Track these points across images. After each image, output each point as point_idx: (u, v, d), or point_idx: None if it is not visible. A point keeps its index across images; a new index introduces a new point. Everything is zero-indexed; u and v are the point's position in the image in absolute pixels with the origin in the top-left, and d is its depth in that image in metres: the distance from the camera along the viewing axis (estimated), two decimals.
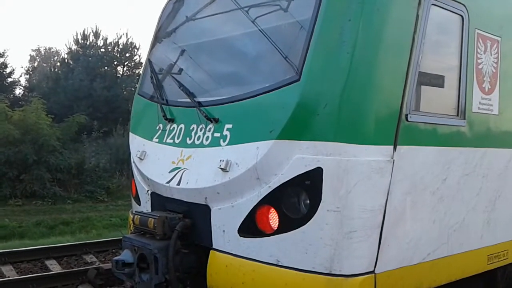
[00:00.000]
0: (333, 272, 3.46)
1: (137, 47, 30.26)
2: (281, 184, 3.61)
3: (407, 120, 3.78)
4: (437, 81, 4.13)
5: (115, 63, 29.29)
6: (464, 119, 4.30)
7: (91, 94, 25.97)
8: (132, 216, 4.76)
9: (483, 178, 4.53)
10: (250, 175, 3.71)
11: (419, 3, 3.84)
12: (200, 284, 4.15)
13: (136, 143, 5.07)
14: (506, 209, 4.84)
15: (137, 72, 31.03)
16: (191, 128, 4.40)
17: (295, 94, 3.61)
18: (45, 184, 16.14)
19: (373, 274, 3.58)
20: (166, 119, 4.70)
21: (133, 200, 5.30)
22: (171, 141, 4.59)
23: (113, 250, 9.33)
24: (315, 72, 3.60)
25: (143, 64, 5.96)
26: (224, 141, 4.00)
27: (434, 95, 4.11)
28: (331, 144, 3.48)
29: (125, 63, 29.82)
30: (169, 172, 4.41)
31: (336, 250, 3.46)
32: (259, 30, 4.01)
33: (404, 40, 3.77)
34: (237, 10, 4.31)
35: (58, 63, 32.53)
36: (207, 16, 4.77)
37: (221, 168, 3.85)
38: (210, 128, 4.18)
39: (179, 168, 4.34)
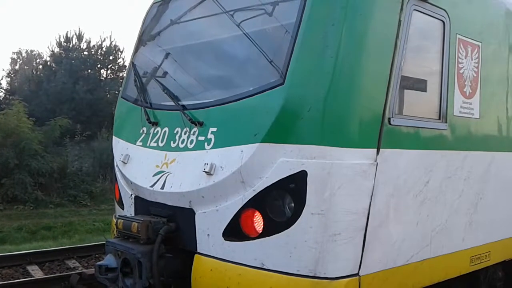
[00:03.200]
0: (317, 275, 3.48)
1: (121, 50, 30.05)
2: (265, 188, 3.63)
3: (390, 123, 3.82)
4: (419, 85, 4.18)
5: (99, 66, 29.01)
6: (446, 122, 4.37)
7: (74, 97, 25.68)
8: (115, 221, 4.74)
9: (465, 181, 4.60)
10: (235, 179, 3.72)
11: (401, 9, 3.89)
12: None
13: (119, 146, 5.04)
14: (487, 211, 4.91)
15: (121, 75, 30.78)
16: (175, 132, 4.39)
17: (279, 98, 3.63)
18: (26, 188, 15.91)
19: (358, 277, 3.61)
20: (150, 122, 4.69)
21: (116, 204, 5.27)
22: (155, 144, 4.58)
23: (96, 255, 9.26)
24: (299, 76, 3.63)
25: (126, 67, 5.92)
26: (208, 144, 4.00)
27: (416, 99, 4.17)
28: (315, 148, 3.51)
29: (109, 66, 29.55)
30: (153, 176, 4.40)
31: (321, 253, 3.49)
32: (244, 33, 4.03)
33: (387, 45, 3.82)
34: (222, 13, 4.34)
35: (40, 66, 32.11)
36: (191, 19, 4.76)
37: (206, 172, 3.85)
38: (194, 132, 4.18)
39: (163, 171, 4.33)
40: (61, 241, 11.20)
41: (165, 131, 4.52)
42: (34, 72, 30.70)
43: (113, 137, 5.28)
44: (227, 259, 3.80)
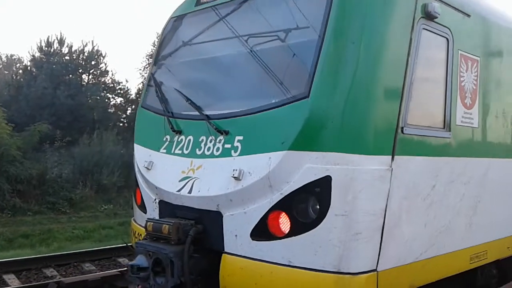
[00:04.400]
0: (341, 271, 3.90)
1: (103, 55, 30.16)
2: (292, 191, 4.03)
3: (402, 132, 4.28)
4: (427, 97, 4.65)
5: (80, 71, 29.05)
6: (450, 131, 4.85)
7: (54, 102, 25.68)
8: (134, 224, 5.09)
9: (466, 185, 5.09)
10: (263, 183, 4.12)
11: (412, 28, 4.37)
12: (211, 286, 4.51)
13: (142, 153, 5.40)
14: (485, 213, 5.42)
15: (102, 80, 30.94)
16: (200, 140, 4.78)
17: (305, 109, 4.05)
18: (4, 195, 15.78)
19: (376, 272, 4.04)
20: (174, 131, 5.07)
21: (137, 208, 5.62)
22: (180, 151, 4.95)
23: (75, 263, 9.47)
24: (322, 90, 4.06)
25: (146, 77, 6.28)
26: (235, 151, 4.40)
27: (424, 110, 4.64)
28: (338, 155, 3.94)
29: (91, 71, 29.61)
30: (179, 181, 4.77)
31: (344, 251, 3.91)
32: (269, 48, 4.46)
33: (400, 61, 4.28)
34: (246, 28, 4.77)
35: (21, 71, 31.95)
36: (213, 34, 5.18)
37: (234, 177, 4.24)
38: (220, 140, 4.58)
39: (189, 177, 4.71)
40: (39, 249, 11.34)
41: (190, 139, 4.90)
42: (14, 77, 30.58)
43: (135, 144, 5.64)
44: (256, 258, 4.18)
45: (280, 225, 4.11)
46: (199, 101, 4.97)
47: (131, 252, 10.36)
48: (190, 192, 4.63)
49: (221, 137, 4.57)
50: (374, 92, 4.12)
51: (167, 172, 4.99)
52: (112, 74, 31.35)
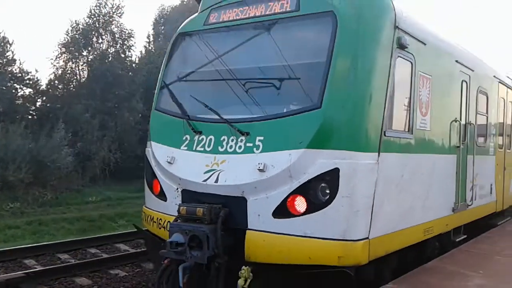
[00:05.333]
0: (346, 238, 5.44)
1: (10, 42, 29.54)
2: (308, 180, 5.51)
3: (385, 135, 5.91)
4: (398, 107, 6.36)
5: None
6: (412, 133, 6.61)
7: None
8: (147, 210, 6.42)
9: (422, 175, 6.89)
10: (285, 174, 5.58)
11: (391, 56, 6.03)
12: (235, 256, 5.91)
13: (162, 150, 6.63)
14: (432, 197, 7.22)
15: (9, 69, 30.30)
16: (221, 139, 6.14)
17: (318, 117, 5.57)
18: None
19: (368, 240, 5.64)
20: (195, 131, 6.39)
21: (154, 197, 6.83)
22: (202, 149, 6.28)
23: None
24: (331, 103, 5.58)
25: (157, 84, 7.46)
26: (257, 149, 5.82)
27: (396, 117, 6.33)
28: (344, 152, 5.49)
29: None
30: (204, 173, 6.10)
31: (348, 224, 5.48)
32: (287, 65, 5.95)
33: (384, 81, 5.91)
34: (265, 44, 6.23)
35: None
36: (229, 49, 6.57)
37: (259, 169, 5.67)
38: (241, 140, 5.97)
39: (214, 170, 6.06)
40: None
41: (211, 139, 6.24)
42: None
43: (152, 142, 6.86)
44: (277, 232, 5.63)
45: (298, 206, 5.57)
46: (217, 107, 6.34)
47: (42, 252, 11.46)
48: (216, 181, 5.98)
49: (243, 137, 5.97)
50: (367, 104, 5.72)
51: (190, 166, 6.29)
52: (20, 63, 30.66)
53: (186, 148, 6.43)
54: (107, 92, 33.86)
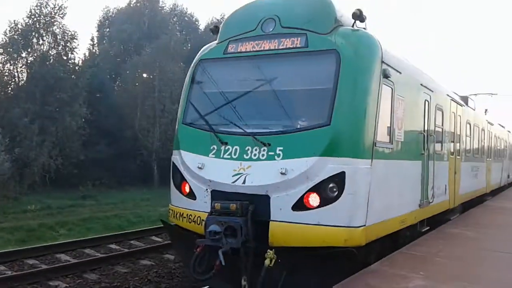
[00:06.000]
0: (350, 225, 7.38)
1: None
2: (321, 181, 7.42)
3: (375, 146, 7.98)
4: (383, 124, 8.48)
5: None
6: (392, 144, 8.78)
7: None
8: (174, 207, 8.47)
9: (398, 177, 9.03)
10: (302, 176, 7.45)
11: (379, 84, 8.11)
12: (260, 242, 7.75)
13: (192, 158, 8.37)
14: (404, 195, 9.33)
15: None
16: (246, 149, 8.00)
17: (328, 133, 7.48)
18: None
19: (365, 226, 7.68)
20: (222, 142, 8.27)
21: (183, 196, 8.52)
22: (228, 157, 8.11)
23: None
24: (338, 121, 7.51)
25: (181, 101, 9.26)
26: (278, 157, 7.71)
27: (382, 132, 8.42)
28: (349, 159, 7.45)
29: None
30: (233, 176, 7.95)
31: (351, 214, 7.42)
32: (303, 89, 8.03)
33: (375, 103, 7.87)
34: (279, 72, 8.23)
35: None
36: (248, 75, 8.50)
37: (282, 173, 7.58)
38: (264, 149, 7.86)
39: (241, 173, 7.92)
40: None
41: (236, 149, 8.09)
42: None
43: (181, 151, 8.66)
44: (295, 222, 7.52)
45: (312, 201, 7.40)
46: (240, 123, 8.26)
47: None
48: (244, 183, 7.83)
49: (265, 148, 7.87)
50: (364, 121, 7.71)
51: (219, 170, 8.10)
52: None
53: (214, 156, 8.27)
54: (47, 95, 34.34)
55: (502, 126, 27.78)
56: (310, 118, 7.82)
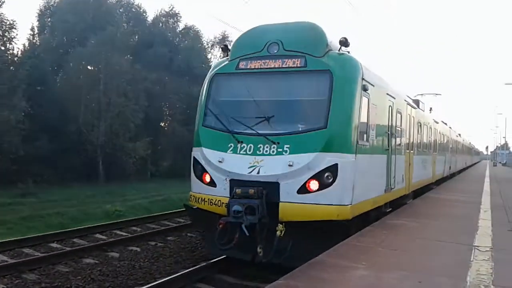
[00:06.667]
0: (340, 204, 10.43)
1: None
2: (320, 170, 10.42)
3: (358, 144, 11.17)
4: (362, 127, 11.62)
5: None
6: (368, 142, 12.00)
7: None
8: (195, 194, 11.20)
9: (371, 167, 12.33)
10: (305, 167, 10.37)
11: (360, 96, 11.09)
12: (272, 218, 10.70)
13: (213, 153, 11.17)
14: (375, 181, 12.67)
15: None
16: (258, 146, 10.97)
17: (325, 134, 10.50)
18: None
19: (351, 205, 10.74)
20: (238, 141, 11.22)
21: (203, 185, 11.34)
22: (244, 152, 10.99)
23: None
24: (333, 124, 10.49)
25: (199, 107, 12.14)
26: (286, 153, 10.69)
27: (361, 133, 11.53)
28: (341, 154, 10.46)
29: None
30: (248, 168, 10.87)
31: (342, 195, 10.43)
32: (304, 100, 11.12)
33: (357, 111, 10.91)
34: (283, 86, 11.28)
35: None
36: (257, 87, 11.48)
37: (289, 165, 10.57)
38: (274, 147, 10.83)
39: (255, 166, 10.85)
40: None
41: (251, 146, 11.01)
42: None
43: (203, 148, 11.51)
44: (299, 202, 10.48)
45: (313, 186, 10.40)
46: (252, 126, 11.25)
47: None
48: (258, 173, 10.73)
49: (274, 145, 10.88)
50: (351, 126, 10.84)
51: (237, 163, 10.95)
52: None
53: (231, 152, 11.19)
54: None
55: (445, 123, 32.43)
56: (310, 123, 10.89)
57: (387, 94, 13.84)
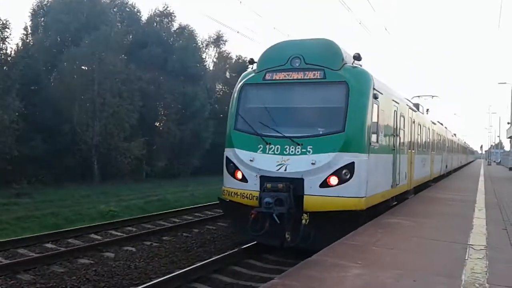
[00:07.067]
0: (357, 196, 12.88)
1: None
2: (339, 168, 12.88)
3: (370, 144, 13.71)
4: (374, 130, 14.21)
5: None
6: (378, 143, 14.51)
7: None
8: (227, 188, 13.62)
9: (381, 165, 14.84)
10: (326, 165, 12.79)
11: (372, 103, 13.61)
12: (298, 209, 13.23)
13: (244, 153, 13.59)
14: (384, 178, 15.15)
15: None
16: (285, 147, 13.40)
17: (343, 137, 12.90)
18: None
19: (365, 197, 13.23)
20: (266, 143, 13.70)
21: (236, 181, 13.71)
22: (272, 153, 13.41)
23: None
24: (349, 129, 13.00)
25: (229, 113, 14.58)
26: (309, 153, 13.12)
27: (373, 136, 14.12)
28: (357, 154, 12.93)
29: None
30: (276, 166, 13.33)
31: (358, 189, 12.93)
32: (324, 107, 13.62)
33: (370, 116, 13.42)
34: (305, 94, 13.78)
35: None
36: (282, 95, 13.97)
37: (312, 163, 13.05)
38: (298, 148, 13.33)
39: (283, 164, 13.28)
40: None
41: (278, 147, 13.45)
42: None
43: (235, 149, 13.93)
44: (321, 195, 12.95)
45: (333, 181, 12.87)
46: (281, 129, 13.73)
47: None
48: (285, 170, 13.15)
49: (299, 146, 13.34)
50: (365, 129, 13.33)
51: (266, 162, 13.36)
52: None
53: (261, 152, 13.63)
54: None
55: (441, 124, 35.46)
56: (330, 127, 13.37)
57: (393, 100, 16.41)
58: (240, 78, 15.10)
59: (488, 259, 9.44)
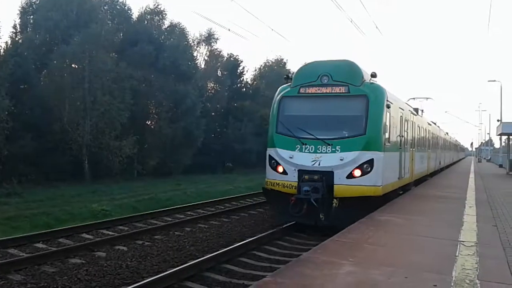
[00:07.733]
0: (375, 185, 18.17)
1: None
2: (362, 163, 18.04)
3: (385, 145, 19.14)
4: (386, 132, 19.66)
5: None
6: (389, 143, 19.94)
7: None
8: (270, 180, 18.99)
9: (391, 161, 20.24)
10: (352, 161, 17.93)
11: (386, 112, 19.08)
12: (329, 195, 18.66)
13: (285, 152, 18.76)
14: (393, 172, 20.57)
15: None
16: (317, 147, 18.77)
17: (364, 139, 18.17)
18: None
19: (382, 186, 18.55)
20: (303, 144, 19.09)
21: (277, 173, 18.96)
22: (307, 151, 18.67)
23: None
24: (369, 132, 18.27)
25: (271, 120, 20.06)
26: (338, 151, 18.41)
27: (387, 137, 19.63)
28: (375, 152, 18.28)
29: None
30: (311, 161, 18.64)
31: (376, 179, 18.22)
32: (345, 115, 19.14)
33: (384, 122, 18.92)
34: (333, 105, 19.28)
35: None
36: (315, 105, 19.41)
37: (340, 159, 18.37)
38: (328, 147, 18.67)
39: (316, 160, 18.50)
40: None
41: (312, 147, 18.76)
42: None
43: (277, 148, 19.22)
44: (348, 184, 18.16)
45: (357, 174, 18.03)
46: (314, 133, 19.15)
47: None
48: (319, 165, 18.39)
49: (329, 146, 18.63)
50: (381, 132, 18.65)
51: (303, 159, 18.51)
52: None
53: (298, 151, 18.90)
54: None
55: (434, 123, 41.99)
56: (354, 131, 18.76)
57: (399, 107, 22.01)
58: (278, 91, 20.42)
59: (479, 256, 10.00)
